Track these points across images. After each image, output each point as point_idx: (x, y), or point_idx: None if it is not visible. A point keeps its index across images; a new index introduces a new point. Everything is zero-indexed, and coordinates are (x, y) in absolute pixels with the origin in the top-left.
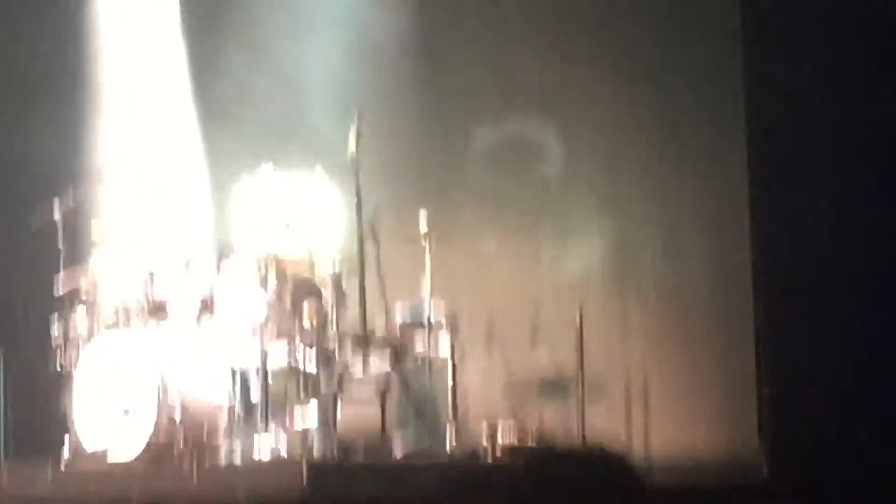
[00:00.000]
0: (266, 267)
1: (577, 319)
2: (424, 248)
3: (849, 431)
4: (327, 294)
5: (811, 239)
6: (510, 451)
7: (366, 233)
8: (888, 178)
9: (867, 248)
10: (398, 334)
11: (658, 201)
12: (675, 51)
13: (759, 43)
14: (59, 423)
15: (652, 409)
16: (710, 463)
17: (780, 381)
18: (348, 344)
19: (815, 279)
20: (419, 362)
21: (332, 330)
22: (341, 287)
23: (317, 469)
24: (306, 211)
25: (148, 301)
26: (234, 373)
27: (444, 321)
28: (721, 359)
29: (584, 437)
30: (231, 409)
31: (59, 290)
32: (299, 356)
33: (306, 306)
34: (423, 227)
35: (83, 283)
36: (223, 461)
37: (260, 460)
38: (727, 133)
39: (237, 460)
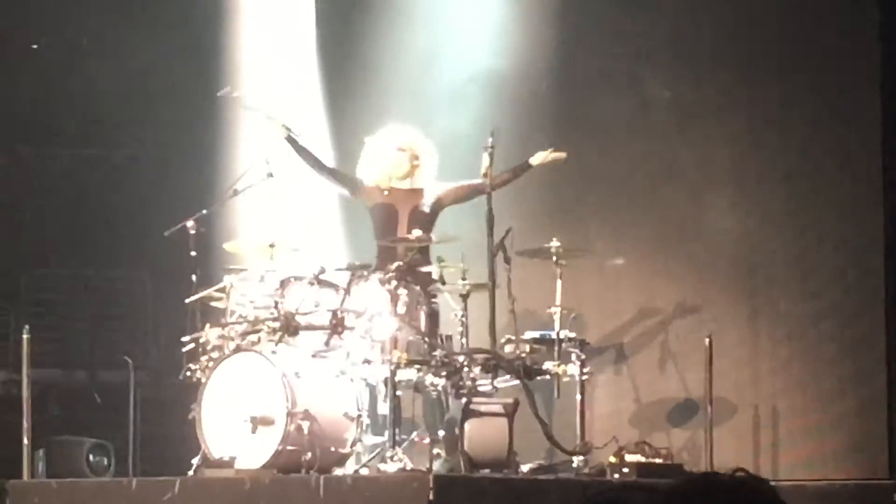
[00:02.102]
0: (396, 282)
1: (707, 342)
2: (555, 266)
3: None
4: (457, 310)
5: None
6: (637, 469)
7: (497, 251)
8: None
9: None
10: (527, 351)
11: (788, 226)
12: (810, 50)
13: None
14: (187, 432)
15: (781, 434)
16: (840, 489)
17: None
18: (477, 359)
19: None
20: (547, 379)
21: (461, 345)
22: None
23: (443, 483)
24: (438, 229)
25: (279, 313)
26: (362, 385)
27: (572, 339)
28: (852, 386)
29: (711, 458)
30: (359, 421)
31: (191, 299)
32: (428, 370)
33: (436, 321)
34: (553, 247)
35: (215, 294)
36: (350, 472)
37: (386, 472)
38: (861, 159)
39: (364, 471)
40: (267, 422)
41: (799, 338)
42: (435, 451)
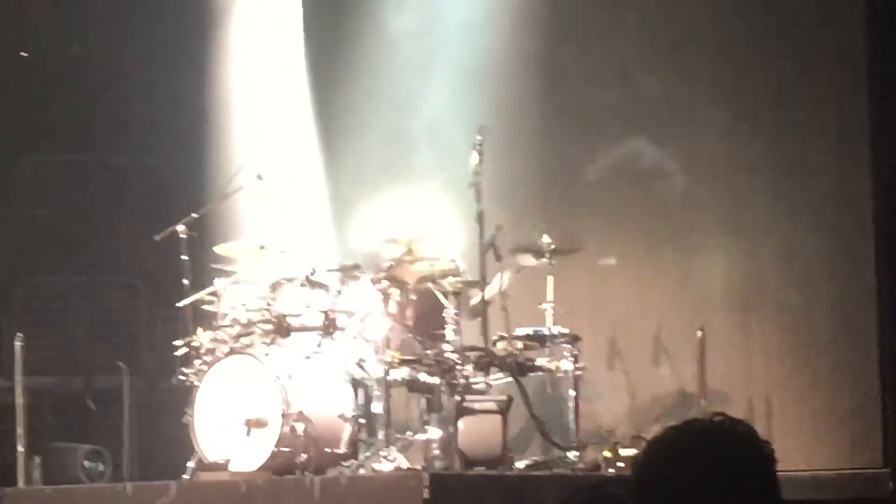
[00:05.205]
0: (388, 281)
1: (699, 336)
2: (546, 263)
3: None
4: (449, 308)
5: None
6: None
7: (487, 248)
8: None
9: None
10: (520, 347)
11: (780, 216)
12: (798, 66)
13: (885, 55)
14: (182, 436)
15: (775, 426)
16: (835, 479)
17: None
18: (470, 356)
19: None
20: (541, 376)
21: (454, 342)
22: (462, 301)
23: (438, 481)
24: (428, 227)
25: (271, 315)
26: (355, 385)
27: (565, 334)
28: (845, 376)
29: None
30: (353, 421)
31: (183, 303)
32: (422, 369)
33: (428, 320)
34: (545, 243)
35: (207, 298)
36: (345, 472)
37: (381, 472)
38: (851, 149)
39: (359, 471)
40: (261, 424)
41: (791, 329)
42: (429, 449)
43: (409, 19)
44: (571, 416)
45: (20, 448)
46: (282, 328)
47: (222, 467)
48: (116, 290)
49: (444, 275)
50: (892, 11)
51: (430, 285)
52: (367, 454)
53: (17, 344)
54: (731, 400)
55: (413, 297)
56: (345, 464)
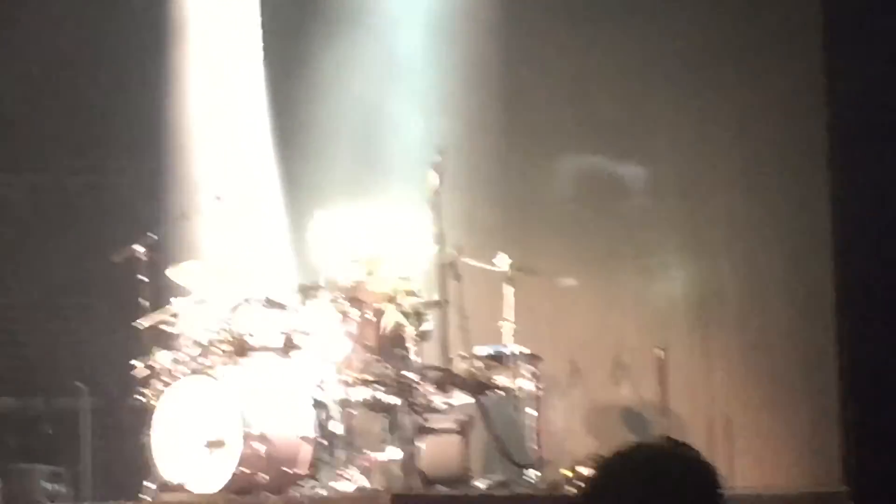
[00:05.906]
0: (348, 301)
1: (660, 355)
2: (506, 283)
3: None
4: (410, 328)
5: None
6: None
7: (447, 268)
8: None
9: None
10: (481, 367)
11: (739, 237)
12: (757, 88)
13: (843, 80)
14: (141, 457)
15: (735, 445)
16: (795, 498)
17: (864, 417)
18: (431, 376)
19: None
20: (501, 395)
21: (414, 363)
22: (424, 321)
23: (399, 501)
24: (388, 247)
25: (231, 336)
26: (317, 406)
27: (526, 354)
28: (804, 394)
29: None
30: (314, 441)
31: (142, 323)
32: (382, 389)
33: (389, 340)
34: (504, 263)
35: (166, 318)
36: (307, 493)
37: (344, 492)
38: (809, 170)
39: (321, 492)
40: (221, 444)
41: (750, 349)
42: (390, 469)
43: (367, 40)
44: (532, 435)
45: None
46: (241, 348)
47: (182, 488)
48: (75, 311)
49: (404, 294)
50: (847, 33)
51: (390, 306)
52: (329, 474)
53: None
54: (692, 419)
55: (373, 316)
56: (306, 484)
